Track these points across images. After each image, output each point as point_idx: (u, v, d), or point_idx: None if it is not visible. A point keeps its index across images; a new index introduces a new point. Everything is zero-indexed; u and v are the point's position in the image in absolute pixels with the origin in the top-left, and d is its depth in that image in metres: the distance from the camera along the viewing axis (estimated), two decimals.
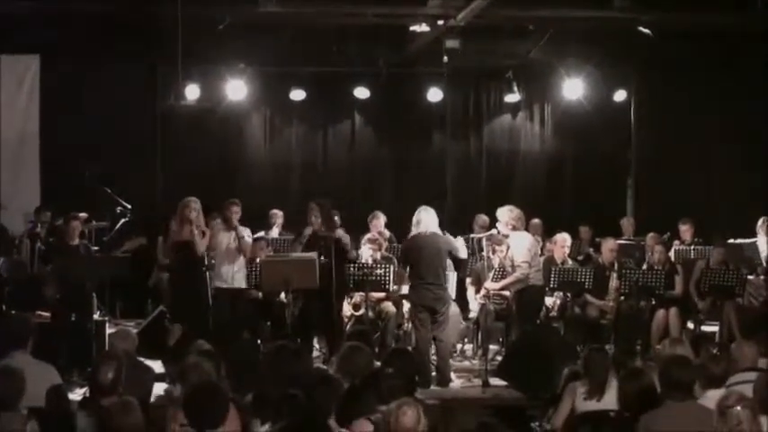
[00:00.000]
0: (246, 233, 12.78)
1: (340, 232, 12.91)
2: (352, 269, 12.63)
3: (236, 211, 12.61)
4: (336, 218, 13.57)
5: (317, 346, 13.17)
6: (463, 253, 12.64)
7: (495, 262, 12.70)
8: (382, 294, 12.99)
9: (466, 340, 13.80)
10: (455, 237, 12.65)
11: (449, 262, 12.45)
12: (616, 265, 13.92)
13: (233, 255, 12.57)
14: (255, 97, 17.58)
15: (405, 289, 13.05)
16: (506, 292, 12.67)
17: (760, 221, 14.67)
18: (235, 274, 12.64)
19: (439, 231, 12.08)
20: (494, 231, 12.83)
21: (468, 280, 13.39)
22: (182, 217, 12.22)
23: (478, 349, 13.22)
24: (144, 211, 15.98)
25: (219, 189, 15.10)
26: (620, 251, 14.39)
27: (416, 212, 12.20)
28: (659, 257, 13.77)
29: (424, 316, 11.81)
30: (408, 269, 12.19)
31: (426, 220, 12.02)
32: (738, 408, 6.23)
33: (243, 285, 12.75)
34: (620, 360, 9.69)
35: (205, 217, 12.64)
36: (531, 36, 16.46)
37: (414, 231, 12.14)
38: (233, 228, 12.55)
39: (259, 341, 12.35)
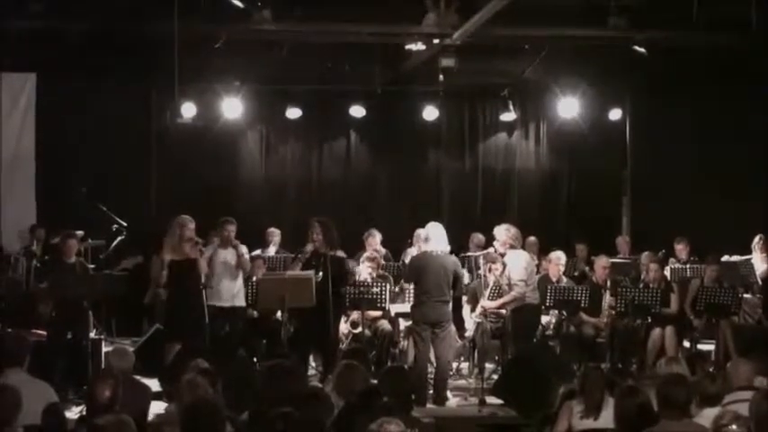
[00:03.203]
0: (244, 250, 12.80)
1: (341, 253, 12.88)
2: (349, 288, 12.64)
3: (231, 230, 12.65)
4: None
5: (313, 364, 13.16)
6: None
7: (491, 280, 12.71)
8: (379, 313, 13.02)
9: (462, 359, 13.78)
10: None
11: None
12: (609, 283, 13.95)
13: (233, 272, 12.60)
14: (251, 115, 17.62)
15: (400, 307, 13.08)
16: (503, 311, 12.67)
17: (755, 239, 14.67)
18: (236, 293, 12.66)
19: (447, 250, 12.10)
20: (490, 250, 12.84)
21: (465, 298, 13.39)
22: (180, 235, 12.22)
23: (474, 368, 13.20)
24: (140, 228, 15.94)
25: (215, 207, 15.07)
26: (614, 269, 14.43)
27: (426, 228, 12.22)
28: (654, 275, 13.77)
29: (425, 334, 11.83)
30: (413, 284, 12.20)
31: (436, 238, 12.03)
32: (734, 427, 6.22)
33: (243, 304, 12.77)
34: (616, 378, 9.68)
35: (202, 236, 12.67)
36: (527, 55, 16.48)
37: (423, 247, 12.16)
38: (232, 245, 12.57)
39: (255, 359, 12.38)
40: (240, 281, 12.72)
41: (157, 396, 9.51)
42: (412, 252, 14.11)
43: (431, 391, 11.89)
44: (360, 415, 6.85)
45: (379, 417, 6.34)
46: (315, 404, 6.80)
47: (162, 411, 8.21)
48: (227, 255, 12.62)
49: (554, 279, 13.75)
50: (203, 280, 12.38)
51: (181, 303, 12.30)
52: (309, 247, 12.57)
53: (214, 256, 12.59)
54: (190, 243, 12.20)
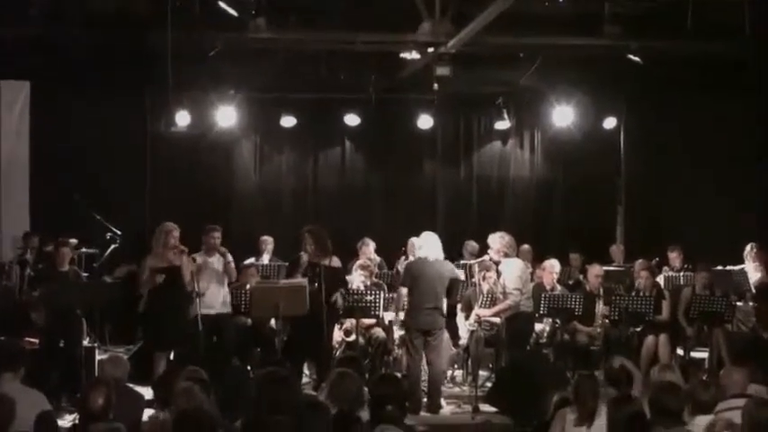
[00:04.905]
0: (228, 259, 12.75)
1: (336, 260, 12.81)
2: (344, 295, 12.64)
3: (216, 237, 12.62)
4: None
5: (307, 372, 13.13)
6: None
7: (485, 288, 12.71)
8: (372, 320, 13.01)
9: (456, 366, 13.79)
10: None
11: None
12: (602, 291, 13.96)
13: (220, 279, 12.59)
14: (245, 124, 17.60)
15: (393, 315, 13.07)
16: (496, 319, 12.68)
17: (747, 248, 14.68)
18: (223, 300, 12.64)
19: (442, 257, 12.10)
20: (485, 258, 12.84)
21: (459, 306, 13.39)
22: (164, 243, 12.18)
23: (468, 375, 13.22)
24: (134, 237, 15.91)
25: (209, 215, 15.01)
26: (608, 277, 14.44)
27: (420, 237, 12.24)
28: (645, 283, 13.78)
29: (418, 342, 11.84)
30: (407, 292, 12.18)
31: (430, 246, 12.04)
32: None
33: (229, 310, 12.75)
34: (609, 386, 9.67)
35: (195, 244, 12.65)
36: (522, 63, 16.50)
37: (417, 254, 12.18)
38: (219, 253, 12.55)
39: (249, 367, 12.35)
40: (226, 288, 12.71)
41: (151, 404, 9.49)
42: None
43: (425, 399, 11.89)
44: (353, 423, 6.85)
45: (372, 426, 6.35)
46: (313, 413, 6.78)
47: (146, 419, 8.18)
48: (214, 262, 12.60)
49: (548, 287, 13.75)
50: (191, 288, 12.30)
51: (165, 311, 12.20)
52: (305, 258, 12.49)
53: (204, 266, 12.54)
54: (174, 250, 12.17)
